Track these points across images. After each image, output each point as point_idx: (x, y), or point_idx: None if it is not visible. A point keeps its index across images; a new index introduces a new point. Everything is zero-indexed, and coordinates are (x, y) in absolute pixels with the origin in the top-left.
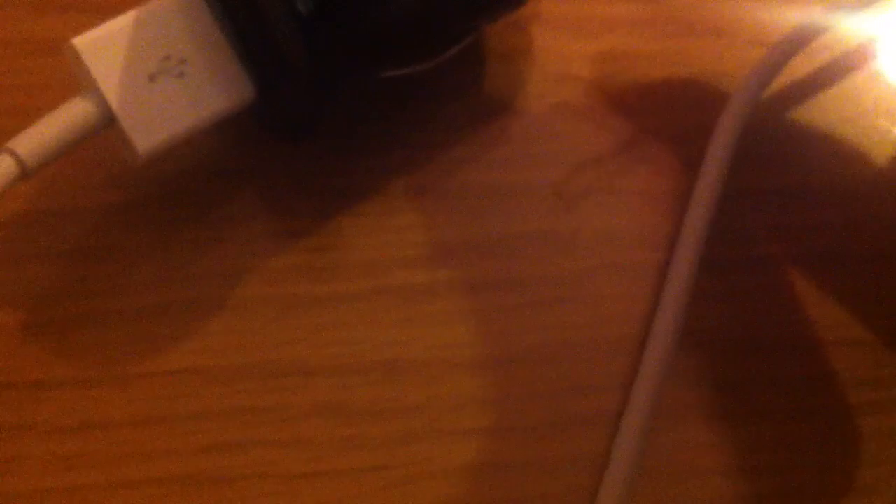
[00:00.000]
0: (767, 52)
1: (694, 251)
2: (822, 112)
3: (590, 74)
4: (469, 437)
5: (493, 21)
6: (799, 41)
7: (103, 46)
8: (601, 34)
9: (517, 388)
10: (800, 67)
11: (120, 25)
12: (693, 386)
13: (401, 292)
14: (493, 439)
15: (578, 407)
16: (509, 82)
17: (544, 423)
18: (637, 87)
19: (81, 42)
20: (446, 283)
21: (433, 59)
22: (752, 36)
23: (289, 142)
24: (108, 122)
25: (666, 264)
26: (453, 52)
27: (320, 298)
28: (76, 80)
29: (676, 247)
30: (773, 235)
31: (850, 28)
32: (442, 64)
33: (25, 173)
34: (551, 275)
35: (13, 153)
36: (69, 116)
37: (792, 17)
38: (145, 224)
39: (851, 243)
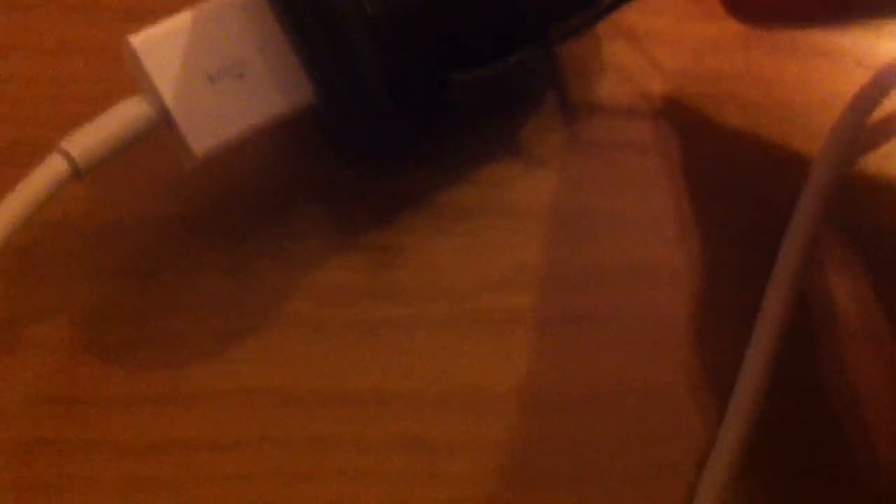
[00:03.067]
0: (869, 79)
1: (787, 292)
2: None
3: (685, 96)
4: (550, 481)
5: (561, 23)
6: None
7: (161, 45)
8: (698, 54)
9: (602, 431)
10: None
11: (179, 24)
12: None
13: (486, 320)
14: (575, 484)
15: (662, 454)
16: (602, 105)
17: (626, 469)
18: (735, 109)
19: (138, 40)
20: (533, 313)
21: (501, 61)
22: (859, 58)
23: (360, 157)
24: (163, 122)
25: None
26: (522, 56)
27: (402, 323)
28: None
29: (768, 289)
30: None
31: None
32: (515, 76)
33: (77, 173)
34: (645, 311)
35: (65, 153)
36: (123, 116)
37: None
38: (220, 240)
39: None
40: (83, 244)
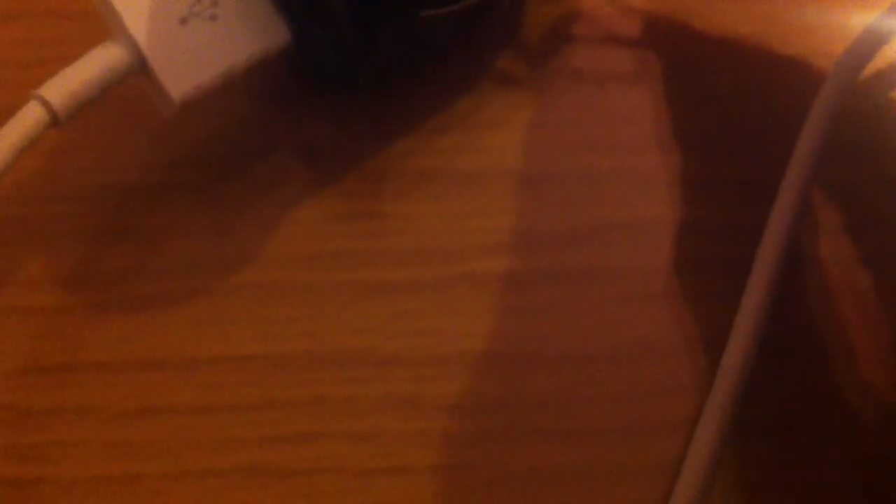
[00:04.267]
0: (861, 32)
1: (779, 249)
2: None
3: (680, 56)
4: (545, 439)
5: None
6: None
7: None
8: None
9: (597, 388)
10: None
11: None
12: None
13: (480, 281)
14: (570, 442)
15: (659, 410)
16: (597, 64)
17: (622, 427)
18: (730, 69)
19: None
20: (528, 273)
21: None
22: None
23: (330, 88)
24: (139, 67)
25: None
26: None
27: (395, 285)
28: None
29: (761, 246)
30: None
31: None
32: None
33: (56, 121)
34: (638, 268)
35: (42, 100)
36: (99, 62)
37: None
38: (211, 204)
39: None
40: (66, 209)
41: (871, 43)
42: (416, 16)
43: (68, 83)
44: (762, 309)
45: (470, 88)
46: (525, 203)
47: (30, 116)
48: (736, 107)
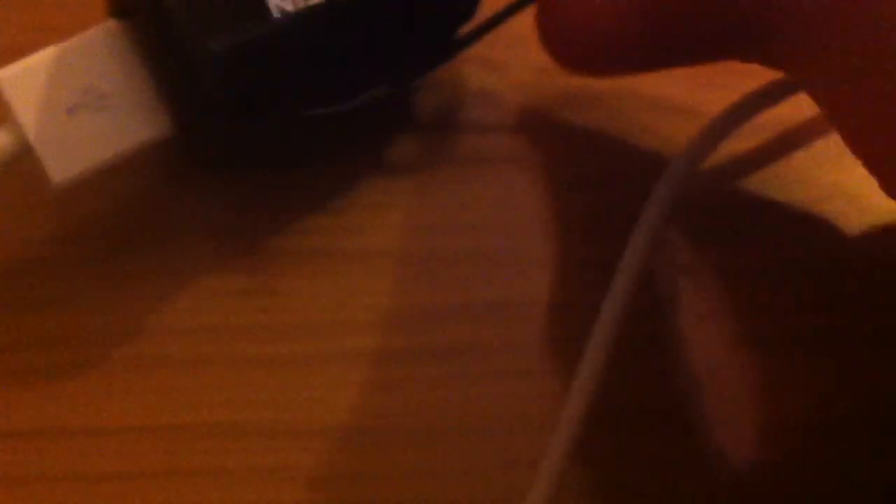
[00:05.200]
0: (707, 124)
1: (609, 333)
2: (764, 187)
3: (554, 143)
4: None
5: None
6: (741, 114)
7: (23, 79)
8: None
9: (472, 459)
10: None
11: (42, 59)
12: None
13: (358, 357)
14: None
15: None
16: (479, 149)
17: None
18: (596, 157)
19: (2, 74)
20: (405, 350)
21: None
22: None
23: (214, 168)
24: (26, 151)
25: None
26: (372, 95)
27: (281, 359)
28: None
29: (594, 331)
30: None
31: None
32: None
33: None
34: (510, 345)
35: None
36: None
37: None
38: (105, 278)
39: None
40: None
41: (711, 137)
42: (295, 115)
43: None
44: (593, 386)
45: (359, 172)
46: (406, 282)
47: None
48: (602, 193)
